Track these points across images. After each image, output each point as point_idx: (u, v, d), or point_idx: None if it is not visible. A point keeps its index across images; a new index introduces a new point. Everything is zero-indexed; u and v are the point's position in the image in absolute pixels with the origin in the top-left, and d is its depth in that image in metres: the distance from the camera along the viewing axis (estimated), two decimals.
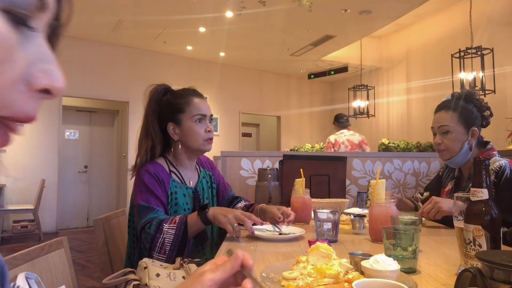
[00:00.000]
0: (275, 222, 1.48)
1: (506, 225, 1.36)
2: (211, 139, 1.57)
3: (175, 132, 1.55)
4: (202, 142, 1.55)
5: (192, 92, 1.59)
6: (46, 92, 0.35)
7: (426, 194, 1.92)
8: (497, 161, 1.57)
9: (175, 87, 1.65)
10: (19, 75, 0.33)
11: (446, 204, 1.50)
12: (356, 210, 1.91)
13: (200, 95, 1.61)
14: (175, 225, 1.32)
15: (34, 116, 0.36)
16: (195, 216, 1.35)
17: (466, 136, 1.66)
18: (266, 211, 1.54)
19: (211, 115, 1.61)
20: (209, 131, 1.56)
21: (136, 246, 1.48)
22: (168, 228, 1.32)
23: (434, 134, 1.74)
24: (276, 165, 2.60)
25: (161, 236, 1.31)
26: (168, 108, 1.56)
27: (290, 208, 1.70)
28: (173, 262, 1.20)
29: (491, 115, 1.70)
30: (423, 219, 1.54)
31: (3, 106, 0.33)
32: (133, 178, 1.54)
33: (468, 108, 1.66)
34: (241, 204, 1.72)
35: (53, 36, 0.39)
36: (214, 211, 1.34)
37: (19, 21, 0.32)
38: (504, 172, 1.51)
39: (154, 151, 1.54)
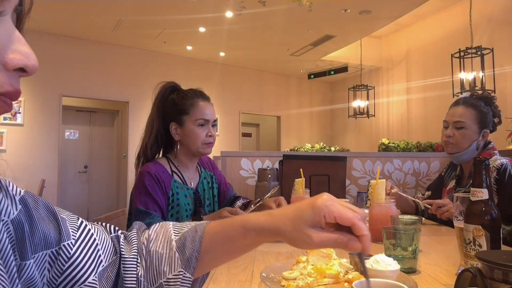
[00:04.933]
0: None
1: (510, 219, 1.37)
2: (211, 143, 1.58)
3: (176, 132, 1.56)
4: (202, 145, 1.55)
5: (198, 94, 1.58)
6: (22, 70, 0.39)
7: (427, 193, 1.94)
8: (498, 159, 1.60)
9: None
10: None
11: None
12: None
13: (206, 98, 1.60)
14: None
15: (19, 90, 0.40)
16: None
17: (477, 136, 1.69)
18: (264, 206, 1.55)
19: (215, 120, 1.60)
20: (210, 135, 1.56)
21: None
22: None
23: (446, 127, 1.76)
24: (276, 165, 2.60)
25: None
26: (173, 108, 1.56)
27: None
28: None
29: (500, 122, 1.74)
30: (423, 219, 1.55)
31: None
32: (133, 179, 1.54)
33: (485, 110, 1.69)
34: (239, 202, 1.72)
35: (18, 20, 0.42)
36: (208, 218, 1.37)
37: None
38: (507, 169, 1.54)
39: (158, 142, 1.56)
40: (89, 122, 7.34)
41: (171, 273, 0.57)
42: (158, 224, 0.64)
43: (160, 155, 1.62)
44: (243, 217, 0.58)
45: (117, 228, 0.62)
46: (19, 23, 0.41)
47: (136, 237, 0.61)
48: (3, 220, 0.45)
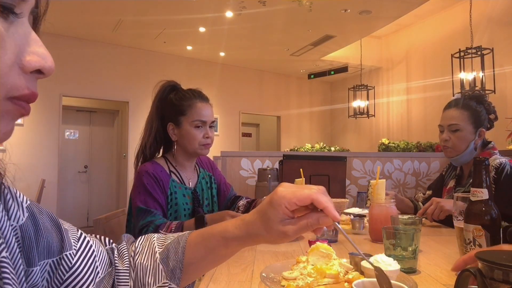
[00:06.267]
0: None
1: (507, 219, 1.37)
2: (208, 144, 1.57)
3: (174, 133, 1.56)
4: (198, 147, 1.55)
5: (197, 95, 1.58)
6: (39, 72, 0.38)
7: (428, 192, 1.95)
8: (498, 159, 1.60)
9: None
10: (13, 59, 0.36)
11: (447, 203, 1.52)
12: (356, 210, 1.91)
13: (204, 99, 1.59)
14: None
15: (36, 93, 0.39)
16: (192, 224, 1.37)
17: (473, 136, 1.69)
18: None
19: (213, 121, 1.60)
20: (207, 137, 1.56)
21: None
22: None
23: (442, 131, 1.76)
24: (276, 165, 2.60)
25: None
26: (171, 108, 1.56)
27: None
28: None
29: (496, 118, 1.73)
30: (423, 219, 1.55)
31: (11, 87, 0.36)
32: (133, 179, 1.54)
33: (478, 109, 1.69)
34: (243, 201, 1.72)
35: (34, 23, 0.42)
36: (211, 217, 1.37)
37: (5, 9, 0.34)
38: (504, 168, 1.54)
39: (157, 142, 1.57)
40: (89, 122, 7.34)
41: (155, 285, 0.58)
42: (144, 236, 0.66)
43: (160, 155, 1.62)
44: (223, 227, 0.59)
45: (111, 240, 0.64)
46: (35, 25, 0.42)
47: (127, 250, 0.62)
48: (12, 225, 0.45)
